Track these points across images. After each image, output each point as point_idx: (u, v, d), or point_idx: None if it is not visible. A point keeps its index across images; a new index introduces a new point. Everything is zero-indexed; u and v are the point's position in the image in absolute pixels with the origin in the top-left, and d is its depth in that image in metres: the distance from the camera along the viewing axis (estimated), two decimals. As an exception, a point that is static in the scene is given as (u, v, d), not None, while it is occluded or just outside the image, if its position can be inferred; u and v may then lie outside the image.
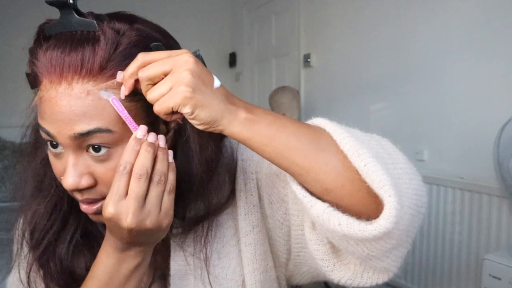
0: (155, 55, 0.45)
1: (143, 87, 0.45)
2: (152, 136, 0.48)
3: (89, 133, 0.47)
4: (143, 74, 0.44)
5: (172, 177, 0.49)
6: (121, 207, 0.46)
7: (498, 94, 1.74)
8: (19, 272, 0.62)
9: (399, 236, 0.46)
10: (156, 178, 0.47)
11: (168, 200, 0.49)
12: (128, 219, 0.46)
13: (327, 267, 0.53)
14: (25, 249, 0.62)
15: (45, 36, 0.48)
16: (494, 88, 1.75)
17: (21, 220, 0.63)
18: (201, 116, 0.44)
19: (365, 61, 2.41)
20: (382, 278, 0.53)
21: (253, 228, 0.62)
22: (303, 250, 0.60)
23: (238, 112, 0.45)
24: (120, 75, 0.47)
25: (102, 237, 0.60)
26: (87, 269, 0.58)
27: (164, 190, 0.48)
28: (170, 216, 0.50)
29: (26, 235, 0.60)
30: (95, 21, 0.47)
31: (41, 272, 0.60)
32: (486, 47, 1.77)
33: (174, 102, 0.43)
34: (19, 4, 3.04)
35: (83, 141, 0.48)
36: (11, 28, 2.98)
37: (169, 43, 0.53)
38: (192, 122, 0.45)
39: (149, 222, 0.47)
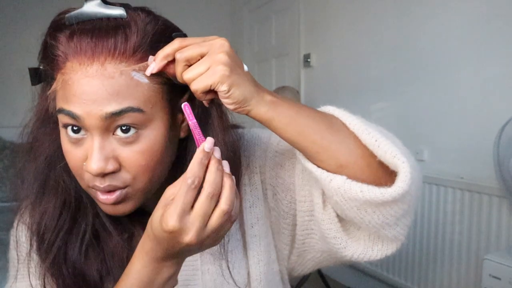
0: (191, 39, 0.48)
1: (179, 67, 0.47)
2: (218, 152, 0.48)
3: (121, 113, 0.48)
4: (181, 55, 0.47)
5: (237, 208, 0.49)
6: (187, 222, 0.45)
7: (498, 94, 1.74)
8: (29, 279, 0.60)
9: (410, 202, 0.50)
10: (224, 206, 0.46)
11: (226, 230, 0.49)
12: (190, 236, 0.45)
13: (340, 244, 0.56)
14: (34, 255, 0.60)
15: (65, 24, 0.49)
16: (494, 88, 1.75)
17: (21, 226, 0.61)
18: (235, 94, 0.47)
19: (365, 61, 2.41)
20: (391, 249, 0.56)
21: (258, 220, 0.64)
22: (309, 236, 0.62)
23: (264, 94, 0.49)
24: (151, 59, 0.49)
25: (110, 236, 0.59)
26: (98, 271, 0.58)
27: (228, 219, 0.48)
28: (219, 240, 0.50)
29: (33, 242, 0.59)
30: (123, 9, 0.49)
31: (53, 278, 0.58)
32: (486, 47, 1.77)
33: (213, 80, 0.45)
34: (19, 5, 3.05)
35: (112, 122, 0.48)
36: (11, 27, 2.98)
37: (185, 35, 0.56)
38: (225, 101, 0.47)
39: (207, 243, 0.48)
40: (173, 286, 0.53)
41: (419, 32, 2.06)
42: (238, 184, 0.63)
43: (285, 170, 0.62)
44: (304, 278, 2.04)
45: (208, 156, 0.46)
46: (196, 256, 0.62)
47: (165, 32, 0.51)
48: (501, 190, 1.65)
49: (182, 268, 0.61)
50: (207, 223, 0.46)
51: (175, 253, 0.48)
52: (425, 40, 2.04)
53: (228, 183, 0.47)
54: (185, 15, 3.55)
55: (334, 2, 2.64)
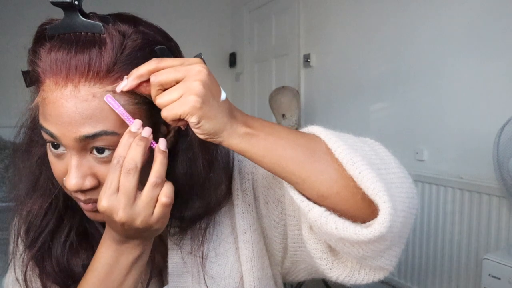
0: (169, 61, 0.46)
1: (153, 91, 0.46)
2: (146, 131, 0.48)
3: (94, 136, 0.47)
4: (155, 79, 0.45)
5: (169, 190, 0.48)
6: (114, 201, 0.46)
7: (498, 94, 1.74)
8: (15, 272, 0.62)
9: (392, 238, 0.48)
10: (152, 179, 0.47)
11: (161, 212, 0.48)
12: (119, 214, 0.46)
13: (326, 265, 0.54)
14: (21, 248, 0.62)
15: (46, 36, 0.48)
16: (494, 88, 1.75)
17: (17, 220, 0.63)
18: (205, 127, 0.45)
19: (365, 61, 2.41)
20: (378, 275, 0.54)
21: (250, 226, 0.63)
22: (300, 249, 0.61)
23: (238, 126, 0.47)
24: (126, 79, 0.47)
25: (100, 236, 0.60)
26: (85, 268, 0.59)
27: (158, 196, 0.48)
28: (162, 223, 0.50)
29: (21, 233, 0.60)
30: (101, 24, 0.47)
31: (37, 271, 0.60)
32: (486, 47, 1.78)
33: (182, 110, 0.44)
34: (19, 3, 3.05)
35: (87, 143, 0.48)
36: (10, 27, 2.98)
37: (171, 46, 0.54)
38: (196, 131, 0.46)
39: (139, 222, 0.47)
40: (142, 269, 0.54)
41: (419, 32, 2.06)
42: (230, 188, 0.63)
43: (277, 181, 0.61)
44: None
45: (135, 136, 0.47)
46: (187, 260, 0.62)
47: (145, 47, 0.49)
48: (501, 190, 1.65)
49: (172, 271, 0.61)
50: (134, 198, 0.46)
51: (127, 234, 0.49)
52: (425, 40, 2.04)
53: (159, 158, 0.48)
54: (186, 15, 3.56)
55: (334, 2, 2.64)
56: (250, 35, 3.61)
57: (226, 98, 0.48)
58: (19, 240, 0.61)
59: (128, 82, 0.46)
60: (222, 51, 3.87)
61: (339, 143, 0.48)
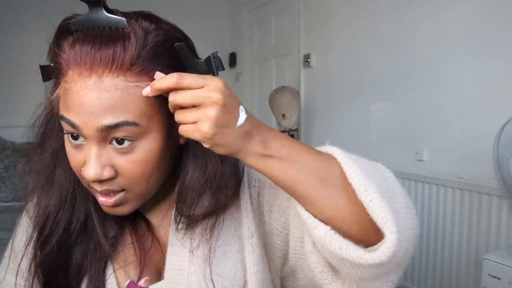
0: (190, 80, 0.46)
1: (171, 107, 0.48)
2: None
3: (116, 126, 0.49)
4: (173, 99, 0.47)
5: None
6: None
7: (498, 94, 1.74)
8: (18, 265, 0.62)
9: (390, 266, 0.49)
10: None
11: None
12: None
13: (325, 279, 0.55)
14: (19, 249, 0.61)
15: (70, 30, 0.49)
16: (494, 88, 1.75)
17: (26, 217, 0.63)
18: (218, 151, 0.48)
19: (365, 61, 2.41)
20: None
21: (255, 230, 0.64)
22: (301, 260, 0.62)
23: (255, 147, 0.49)
24: (158, 75, 0.49)
25: (98, 234, 0.60)
26: (79, 264, 0.59)
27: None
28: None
29: (37, 226, 0.60)
30: (125, 19, 0.49)
31: (42, 271, 0.59)
32: (486, 47, 1.78)
33: (195, 136, 0.46)
34: (22, 5, 3.05)
35: (108, 134, 0.49)
36: (11, 27, 2.98)
37: (189, 43, 0.56)
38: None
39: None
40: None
41: (419, 32, 2.06)
42: (238, 190, 0.64)
43: (284, 192, 0.62)
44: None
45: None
46: (185, 257, 0.62)
47: (166, 43, 0.51)
48: (501, 190, 1.65)
49: (169, 267, 0.62)
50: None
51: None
52: (424, 40, 2.04)
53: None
54: (185, 15, 3.55)
55: (334, 2, 2.64)
56: (250, 35, 3.61)
57: (250, 116, 0.49)
58: (32, 234, 0.61)
59: (151, 93, 0.48)
60: (222, 51, 3.83)
61: (354, 168, 0.49)
